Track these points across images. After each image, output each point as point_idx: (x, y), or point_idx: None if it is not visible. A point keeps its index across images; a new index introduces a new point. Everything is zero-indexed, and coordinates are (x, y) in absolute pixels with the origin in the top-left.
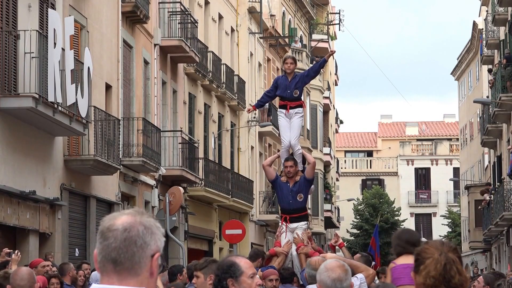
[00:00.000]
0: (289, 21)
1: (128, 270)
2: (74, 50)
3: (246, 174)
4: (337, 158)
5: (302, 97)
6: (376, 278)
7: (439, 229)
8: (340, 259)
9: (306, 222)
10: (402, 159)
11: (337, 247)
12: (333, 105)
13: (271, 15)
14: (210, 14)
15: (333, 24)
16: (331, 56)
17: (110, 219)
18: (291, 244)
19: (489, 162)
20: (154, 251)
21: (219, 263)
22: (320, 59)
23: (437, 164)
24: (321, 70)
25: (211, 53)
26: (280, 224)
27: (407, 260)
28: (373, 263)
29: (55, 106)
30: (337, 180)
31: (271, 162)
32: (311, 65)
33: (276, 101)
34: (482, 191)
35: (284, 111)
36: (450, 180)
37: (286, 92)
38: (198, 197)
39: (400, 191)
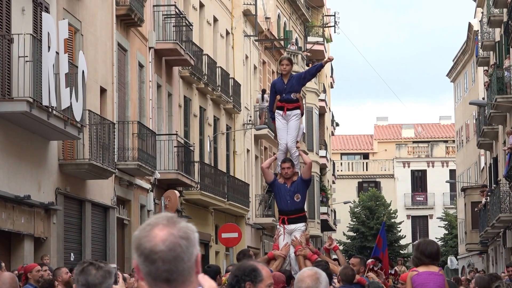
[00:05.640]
0: (284, 23)
1: (181, 283)
2: (68, 54)
3: (242, 177)
4: (333, 160)
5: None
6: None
7: (436, 231)
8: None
9: (304, 224)
10: (398, 161)
11: (331, 250)
12: (329, 108)
13: (266, 18)
14: (205, 17)
15: (328, 27)
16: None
17: (149, 237)
18: (289, 247)
19: (485, 164)
20: (196, 254)
21: (240, 265)
22: (317, 63)
23: (433, 166)
24: (317, 73)
25: (206, 56)
26: (278, 226)
27: (427, 269)
28: (380, 264)
29: (50, 110)
30: (333, 182)
31: (269, 164)
32: (307, 67)
33: None
34: (482, 190)
35: (281, 112)
36: (446, 182)
37: (282, 94)
38: (194, 200)
39: (397, 194)
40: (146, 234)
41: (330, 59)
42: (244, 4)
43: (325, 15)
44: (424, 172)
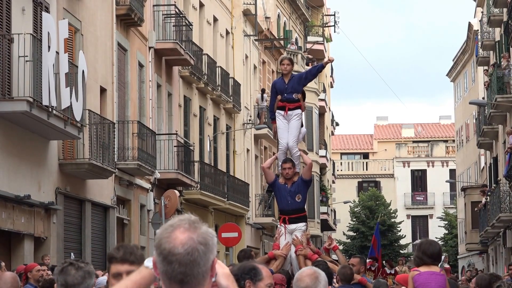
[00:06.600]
0: (284, 23)
1: (194, 286)
2: (68, 54)
3: (242, 177)
4: (333, 160)
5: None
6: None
7: (436, 231)
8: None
9: (305, 223)
10: (398, 161)
11: (331, 250)
12: (329, 107)
13: (266, 17)
14: (205, 16)
15: (328, 26)
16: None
17: (169, 239)
18: (290, 247)
19: (485, 163)
20: (212, 259)
21: (240, 265)
22: (317, 63)
23: (433, 166)
24: (318, 74)
25: (206, 56)
26: (278, 225)
27: (428, 269)
28: (376, 264)
29: (50, 110)
30: (333, 182)
31: (270, 164)
32: (308, 67)
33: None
34: (482, 190)
35: (282, 112)
36: (446, 181)
37: (284, 94)
38: (193, 200)
39: (397, 193)
40: (167, 235)
41: (331, 60)
42: (244, 3)
43: (325, 15)
44: (424, 171)
